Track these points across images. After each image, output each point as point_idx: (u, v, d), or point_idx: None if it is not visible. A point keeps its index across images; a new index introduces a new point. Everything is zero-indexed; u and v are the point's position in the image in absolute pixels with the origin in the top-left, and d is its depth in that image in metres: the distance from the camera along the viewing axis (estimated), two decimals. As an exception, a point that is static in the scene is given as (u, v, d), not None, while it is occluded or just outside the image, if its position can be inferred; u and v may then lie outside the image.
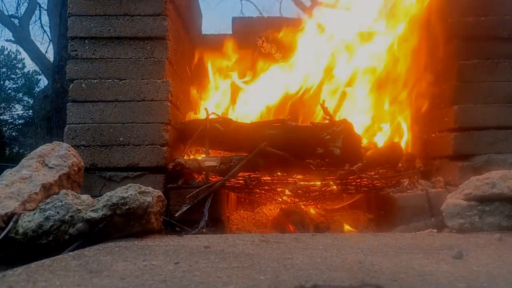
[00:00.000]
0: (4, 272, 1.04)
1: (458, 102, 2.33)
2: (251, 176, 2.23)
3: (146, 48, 2.23)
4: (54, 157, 1.78)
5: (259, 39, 2.98)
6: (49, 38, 11.30)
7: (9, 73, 16.19)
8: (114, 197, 1.53)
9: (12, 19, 12.09)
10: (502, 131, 2.30)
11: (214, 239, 1.60)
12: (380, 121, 2.84)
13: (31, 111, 12.85)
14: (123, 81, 2.21)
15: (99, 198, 1.57)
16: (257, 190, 2.24)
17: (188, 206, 2.02)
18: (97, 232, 1.50)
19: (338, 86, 2.94)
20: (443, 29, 2.44)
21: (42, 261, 1.18)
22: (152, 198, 1.60)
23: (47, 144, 1.86)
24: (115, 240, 1.52)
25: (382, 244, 1.48)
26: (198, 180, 2.22)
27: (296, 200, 2.23)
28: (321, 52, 2.98)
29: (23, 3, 12.79)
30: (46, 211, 1.49)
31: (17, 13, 12.43)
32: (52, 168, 1.74)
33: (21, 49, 13.13)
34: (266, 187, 2.22)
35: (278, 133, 2.28)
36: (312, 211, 2.34)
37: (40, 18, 13.19)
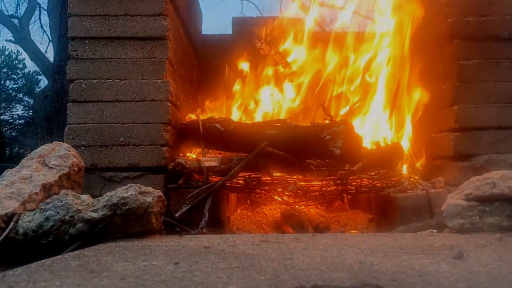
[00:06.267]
0: (4, 272, 1.04)
1: (458, 102, 2.32)
2: (251, 176, 2.23)
3: (146, 48, 2.23)
4: (54, 157, 1.78)
5: (258, 41, 2.97)
6: (49, 38, 11.30)
7: (10, 73, 16.22)
8: (114, 197, 1.53)
9: (12, 19, 12.08)
10: (502, 131, 2.29)
11: (214, 239, 1.60)
12: (380, 122, 2.83)
13: (31, 111, 12.86)
14: (123, 81, 2.21)
15: (99, 198, 1.57)
16: (257, 190, 2.24)
17: (188, 206, 2.02)
18: (97, 232, 1.50)
19: (338, 87, 2.94)
20: (443, 29, 2.44)
21: (42, 261, 1.18)
22: (152, 198, 1.59)
23: (47, 144, 1.85)
24: (115, 240, 1.52)
25: (382, 244, 1.48)
26: (198, 180, 2.22)
27: (296, 200, 2.23)
28: (320, 53, 2.98)
29: (23, 3, 12.79)
30: (46, 211, 1.49)
31: (17, 13, 12.42)
32: (52, 168, 1.74)
33: (21, 49, 13.14)
34: (266, 187, 2.22)
35: (278, 133, 2.28)
36: (312, 211, 2.34)
37: (40, 18, 13.19)
